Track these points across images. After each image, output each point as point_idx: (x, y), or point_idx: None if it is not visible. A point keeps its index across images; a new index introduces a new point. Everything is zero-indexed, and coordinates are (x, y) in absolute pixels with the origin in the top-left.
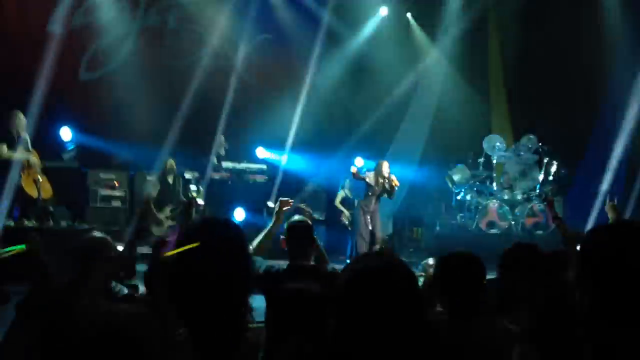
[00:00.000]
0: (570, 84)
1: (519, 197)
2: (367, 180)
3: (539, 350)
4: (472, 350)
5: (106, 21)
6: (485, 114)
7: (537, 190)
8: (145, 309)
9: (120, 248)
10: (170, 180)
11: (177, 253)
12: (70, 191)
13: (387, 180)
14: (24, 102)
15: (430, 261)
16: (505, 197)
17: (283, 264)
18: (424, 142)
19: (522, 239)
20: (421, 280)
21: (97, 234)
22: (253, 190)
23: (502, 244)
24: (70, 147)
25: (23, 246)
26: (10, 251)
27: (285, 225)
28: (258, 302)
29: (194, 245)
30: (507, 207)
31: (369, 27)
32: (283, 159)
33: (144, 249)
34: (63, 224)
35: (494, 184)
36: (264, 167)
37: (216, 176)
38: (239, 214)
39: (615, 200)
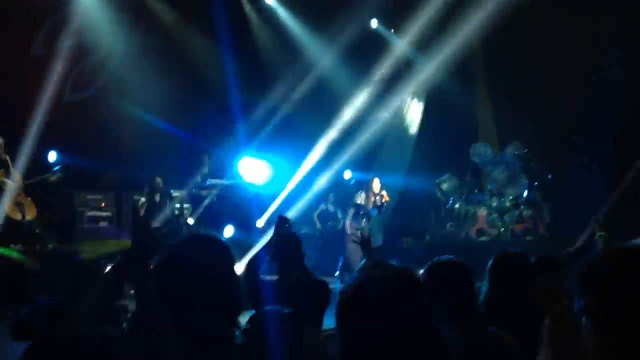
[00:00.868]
0: (554, 88)
1: (508, 203)
2: (359, 201)
3: None
4: (461, 357)
5: (91, 42)
6: (472, 121)
7: (525, 197)
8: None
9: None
10: (157, 198)
11: (165, 268)
12: (57, 213)
13: (378, 197)
14: (8, 125)
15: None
16: (494, 204)
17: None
18: (412, 151)
19: (512, 246)
20: None
21: (84, 255)
22: (242, 206)
23: (492, 251)
24: (56, 168)
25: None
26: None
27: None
28: None
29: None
30: (496, 214)
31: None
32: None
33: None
34: (50, 246)
35: (483, 192)
36: (253, 182)
37: (203, 193)
38: (228, 231)
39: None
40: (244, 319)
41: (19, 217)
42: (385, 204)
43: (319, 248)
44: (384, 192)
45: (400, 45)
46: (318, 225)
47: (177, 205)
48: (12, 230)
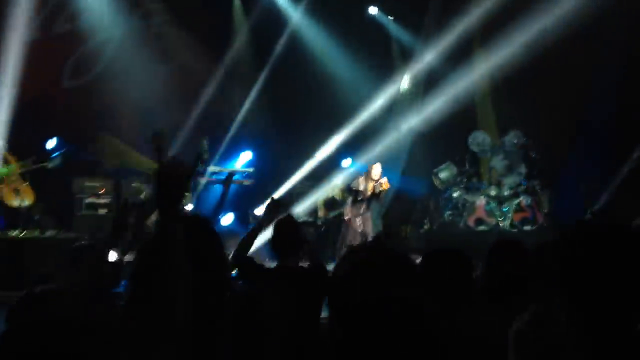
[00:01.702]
0: (554, 76)
1: (506, 192)
2: (357, 187)
3: None
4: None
5: (89, 27)
6: (471, 109)
7: (524, 185)
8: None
9: (112, 256)
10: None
11: (152, 249)
12: (56, 199)
13: (377, 184)
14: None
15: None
16: (493, 193)
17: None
18: (411, 140)
19: (510, 235)
20: None
21: (84, 241)
22: (240, 194)
23: (491, 240)
24: (55, 154)
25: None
26: None
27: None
28: None
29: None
30: (494, 204)
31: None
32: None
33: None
34: (49, 232)
35: (481, 180)
36: (251, 170)
37: (202, 181)
38: (227, 219)
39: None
40: None
41: (16, 204)
42: (383, 192)
43: (321, 236)
44: (383, 180)
45: (400, 33)
46: (321, 213)
47: None
48: (12, 216)
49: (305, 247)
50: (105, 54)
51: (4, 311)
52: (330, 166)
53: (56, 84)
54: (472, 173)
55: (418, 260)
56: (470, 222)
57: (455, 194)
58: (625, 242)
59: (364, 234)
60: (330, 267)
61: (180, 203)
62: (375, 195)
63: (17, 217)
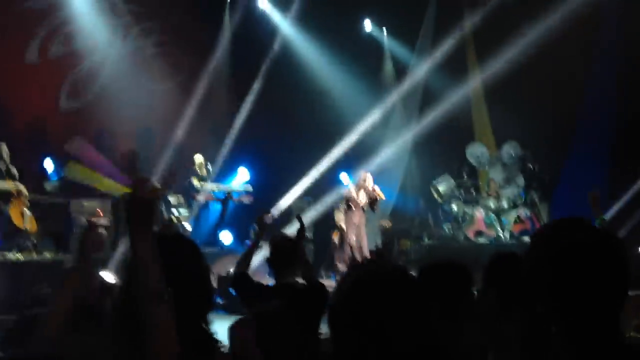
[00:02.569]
0: (548, 85)
1: (505, 204)
2: (349, 194)
3: None
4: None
5: (85, 48)
6: (468, 122)
7: (522, 197)
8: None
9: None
10: None
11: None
12: (54, 221)
13: (369, 193)
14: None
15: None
16: (492, 205)
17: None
18: (409, 153)
19: (510, 247)
20: None
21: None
22: (240, 212)
23: (491, 252)
24: (54, 177)
25: None
26: None
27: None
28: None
29: None
30: (493, 216)
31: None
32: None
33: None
34: (47, 255)
35: (480, 193)
36: (250, 188)
37: (200, 198)
38: (226, 237)
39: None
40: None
41: (22, 224)
42: (377, 200)
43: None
44: (375, 188)
45: (394, 46)
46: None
47: (174, 211)
48: (12, 236)
49: (302, 266)
50: (102, 74)
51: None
52: (327, 182)
53: (53, 106)
54: (471, 185)
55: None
56: (470, 234)
57: (454, 207)
58: (601, 247)
59: (359, 248)
60: (327, 280)
61: (151, 226)
62: (371, 204)
63: (14, 238)
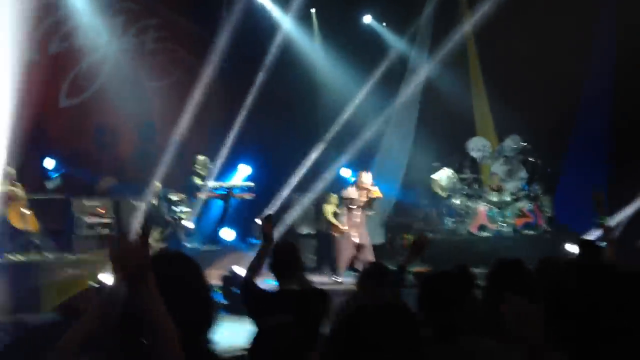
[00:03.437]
0: (548, 79)
1: (508, 198)
2: (350, 196)
3: None
4: None
5: (84, 46)
6: (469, 115)
7: (525, 190)
8: None
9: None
10: (156, 202)
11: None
12: (56, 220)
13: (367, 192)
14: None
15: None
16: (494, 199)
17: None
18: (410, 148)
19: (513, 241)
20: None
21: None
22: (242, 209)
23: (494, 246)
24: (54, 175)
25: None
26: None
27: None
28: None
29: None
30: (496, 210)
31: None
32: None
33: None
34: (49, 256)
35: (482, 186)
36: (252, 184)
37: (202, 196)
38: (228, 234)
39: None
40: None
41: (21, 226)
42: (373, 200)
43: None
44: (374, 188)
45: (394, 40)
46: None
47: (176, 209)
48: (12, 238)
49: (301, 273)
50: (102, 71)
51: None
52: (327, 177)
53: (54, 103)
54: (473, 179)
55: (421, 270)
56: (473, 228)
57: (456, 201)
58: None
59: (361, 247)
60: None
61: (148, 275)
62: (368, 203)
63: (17, 239)
